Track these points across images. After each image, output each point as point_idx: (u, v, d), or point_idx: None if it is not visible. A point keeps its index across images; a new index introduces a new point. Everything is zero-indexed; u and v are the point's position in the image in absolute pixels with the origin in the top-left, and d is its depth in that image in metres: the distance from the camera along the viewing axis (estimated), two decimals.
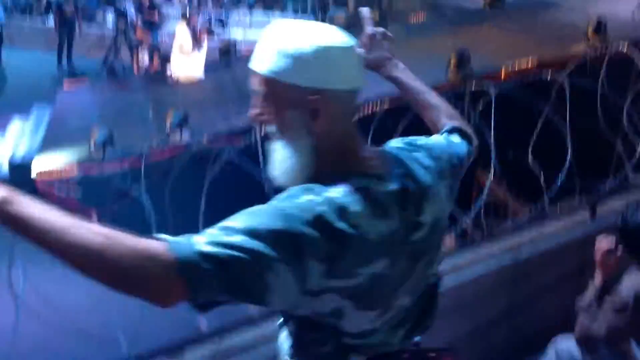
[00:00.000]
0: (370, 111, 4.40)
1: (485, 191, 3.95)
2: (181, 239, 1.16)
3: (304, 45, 1.27)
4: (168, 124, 6.86)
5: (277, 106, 1.31)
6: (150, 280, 1.12)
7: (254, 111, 1.35)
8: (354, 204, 1.25)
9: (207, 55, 9.48)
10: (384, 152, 1.42)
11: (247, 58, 1.39)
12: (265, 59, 1.30)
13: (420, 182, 1.39)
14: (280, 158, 1.33)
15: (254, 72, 1.32)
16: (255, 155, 4.01)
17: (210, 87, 8.73)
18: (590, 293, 3.08)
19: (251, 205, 1.26)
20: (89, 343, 3.17)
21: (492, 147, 3.70)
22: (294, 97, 1.28)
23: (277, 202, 1.23)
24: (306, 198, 1.22)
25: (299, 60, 1.26)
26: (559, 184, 3.93)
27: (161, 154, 5.68)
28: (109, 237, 1.10)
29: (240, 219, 1.19)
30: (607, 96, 4.86)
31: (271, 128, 1.34)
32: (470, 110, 4.32)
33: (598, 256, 3.09)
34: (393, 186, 1.33)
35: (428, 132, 1.69)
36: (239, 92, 8.40)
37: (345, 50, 1.31)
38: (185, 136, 6.91)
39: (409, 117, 3.65)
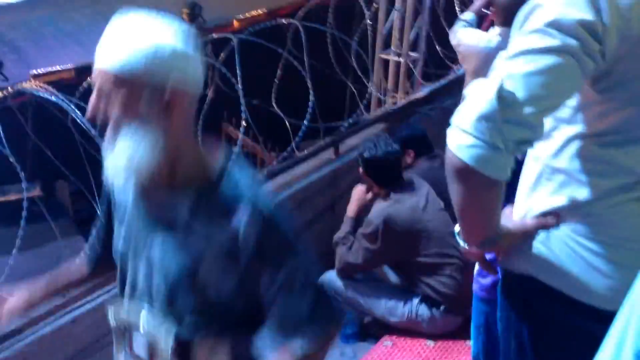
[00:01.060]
0: None
1: (239, 143, 4.02)
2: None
3: (159, 41, 1.27)
4: None
5: (127, 101, 1.28)
6: None
7: (101, 109, 1.30)
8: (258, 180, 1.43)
9: None
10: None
11: None
12: (118, 58, 1.26)
13: None
14: (130, 153, 1.29)
15: (104, 70, 1.27)
16: None
17: None
18: (345, 227, 3.32)
19: None
20: None
21: (242, 98, 3.74)
22: (147, 92, 1.27)
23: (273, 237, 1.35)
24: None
25: (153, 57, 1.25)
26: (304, 127, 4.10)
27: None
28: None
29: None
30: (336, 39, 5.15)
31: (114, 126, 1.31)
32: (212, 61, 4.34)
33: (355, 197, 3.35)
34: None
35: None
36: None
37: (196, 53, 1.32)
38: None
39: None
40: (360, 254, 3.15)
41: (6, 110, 4.94)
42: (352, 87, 5.17)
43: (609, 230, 1.40)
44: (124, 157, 1.30)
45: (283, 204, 1.39)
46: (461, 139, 1.28)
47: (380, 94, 5.64)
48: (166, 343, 1.41)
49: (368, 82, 5.08)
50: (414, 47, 5.85)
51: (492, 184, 1.31)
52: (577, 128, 1.39)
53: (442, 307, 3.14)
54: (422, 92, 5.52)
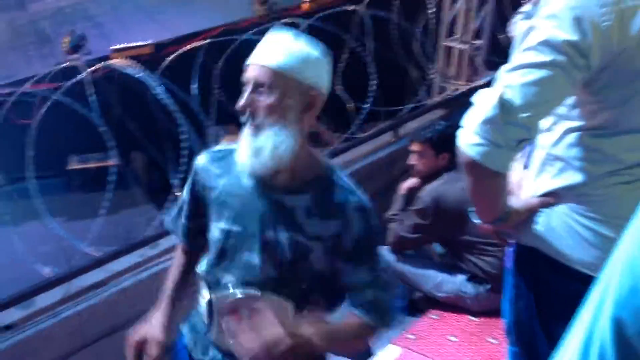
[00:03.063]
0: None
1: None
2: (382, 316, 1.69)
3: (309, 50, 1.57)
4: None
5: (279, 96, 1.54)
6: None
7: (254, 100, 1.55)
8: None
9: None
10: None
11: None
12: (275, 56, 1.54)
13: None
14: (274, 144, 1.56)
15: (264, 66, 1.54)
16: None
17: (3, 29, 8.22)
18: (396, 205, 3.54)
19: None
20: None
21: None
22: (296, 90, 1.55)
23: (374, 225, 1.67)
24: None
25: (305, 61, 1.55)
26: (366, 110, 4.32)
27: None
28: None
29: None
30: (401, 26, 5.32)
31: (261, 118, 1.55)
32: None
33: (407, 182, 3.57)
34: None
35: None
36: (38, 33, 8.00)
37: (329, 62, 1.62)
38: None
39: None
40: (411, 229, 3.35)
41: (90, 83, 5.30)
42: (414, 73, 5.34)
43: (600, 208, 1.65)
44: (267, 148, 1.56)
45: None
46: (470, 138, 1.54)
47: (443, 80, 5.79)
48: (286, 307, 1.68)
49: (431, 69, 5.25)
50: (477, 35, 5.96)
51: (496, 175, 1.58)
52: (573, 122, 1.64)
53: (487, 286, 3.32)
54: (483, 80, 5.64)
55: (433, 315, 3.43)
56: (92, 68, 3.82)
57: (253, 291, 1.68)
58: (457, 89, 5.74)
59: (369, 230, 1.63)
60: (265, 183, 1.64)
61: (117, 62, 3.98)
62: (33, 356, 2.83)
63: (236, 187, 1.69)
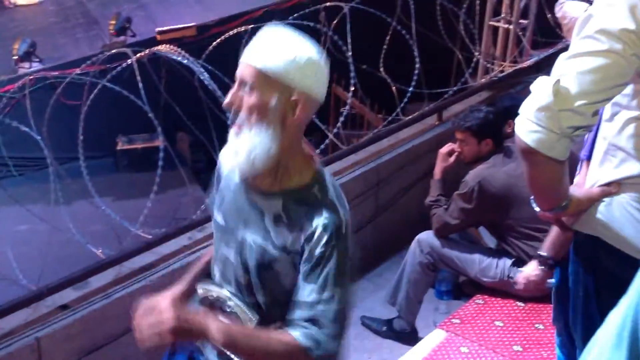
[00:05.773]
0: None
1: (348, 105, 4.27)
2: (318, 341, 1.52)
3: (300, 51, 1.49)
4: (15, 54, 6.59)
5: (260, 96, 1.50)
6: None
7: (237, 99, 1.52)
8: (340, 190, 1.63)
9: None
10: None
11: None
12: (263, 56, 1.49)
13: None
14: (250, 146, 1.52)
15: (249, 65, 1.50)
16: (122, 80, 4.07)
17: (53, 12, 8.36)
18: (433, 190, 3.54)
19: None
20: None
21: (350, 62, 3.98)
22: (279, 92, 1.49)
23: (339, 248, 1.53)
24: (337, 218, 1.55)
25: (292, 63, 1.48)
26: (409, 92, 4.29)
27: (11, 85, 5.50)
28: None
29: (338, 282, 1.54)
30: (445, 6, 5.25)
31: (243, 117, 1.52)
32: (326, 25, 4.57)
33: (439, 159, 3.57)
34: None
35: None
36: (85, 15, 8.12)
37: (325, 66, 1.54)
38: (35, 65, 6.68)
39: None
40: (455, 213, 3.35)
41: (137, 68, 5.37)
42: (459, 54, 5.28)
43: None
44: (244, 149, 1.52)
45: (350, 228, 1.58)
46: (526, 125, 1.56)
47: (488, 61, 5.70)
48: (250, 320, 1.64)
49: (475, 50, 5.18)
50: (524, 14, 5.84)
51: (552, 162, 1.59)
52: (633, 112, 1.64)
53: None
54: (529, 61, 5.55)
55: (479, 300, 3.44)
56: (138, 55, 3.87)
57: (227, 295, 1.68)
58: (502, 71, 5.65)
59: (330, 253, 1.52)
60: (248, 183, 1.62)
61: (162, 48, 4.01)
62: (88, 334, 2.92)
63: (230, 181, 1.68)
